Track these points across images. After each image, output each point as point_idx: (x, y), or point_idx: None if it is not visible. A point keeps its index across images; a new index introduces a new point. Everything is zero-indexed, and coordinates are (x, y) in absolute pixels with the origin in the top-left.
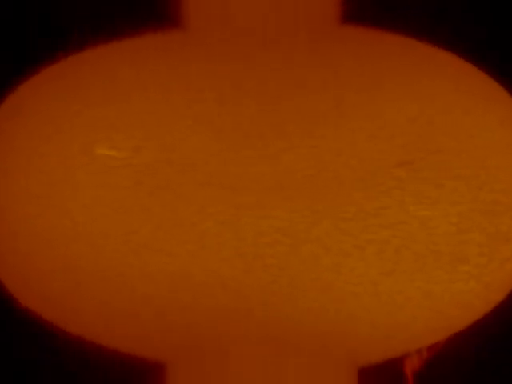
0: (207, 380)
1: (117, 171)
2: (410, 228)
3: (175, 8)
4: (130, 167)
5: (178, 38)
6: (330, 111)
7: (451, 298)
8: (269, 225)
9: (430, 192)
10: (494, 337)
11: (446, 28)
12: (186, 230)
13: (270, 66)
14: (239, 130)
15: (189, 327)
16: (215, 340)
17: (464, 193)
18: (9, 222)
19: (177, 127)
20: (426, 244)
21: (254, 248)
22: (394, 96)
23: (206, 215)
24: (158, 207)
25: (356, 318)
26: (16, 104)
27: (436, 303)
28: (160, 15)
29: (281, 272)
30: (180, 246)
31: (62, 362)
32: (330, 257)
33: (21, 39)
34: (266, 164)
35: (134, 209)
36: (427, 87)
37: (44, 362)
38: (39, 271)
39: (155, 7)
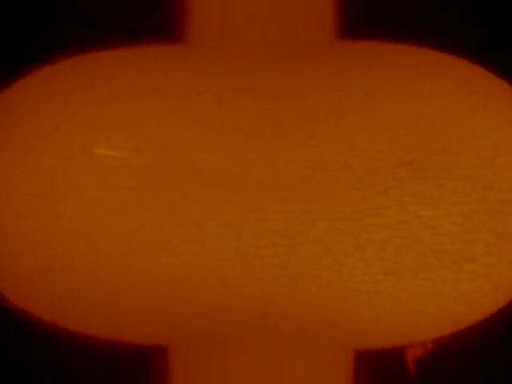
0: (209, 363)
1: (117, 171)
2: (410, 228)
3: (178, 27)
4: (130, 167)
5: (179, 49)
6: (331, 111)
7: (457, 296)
8: (267, 227)
9: (432, 192)
10: (499, 335)
11: (445, 36)
12: (186, 229)
13: (270, 70)
14: (239, 130)
15: (189, 323)
16: (216, 332)
17: (469, 193)
18: (4, 221)
19: (177, 127)
20: (429, 243)
21: (254, 249)
22: (395, 97)
23: (206, 215)
24: (158, 207)
25: (357, 313)
26: (12, 101)
27: (442, 301)
28: (163, 32)
29: (280, 271)
30: (180, 245)
31: (60, 358)
32: (330, 256)
33: (21, 39)
34: (265, 163)
35: (134, 209)
36: (430, 88)
37: (43, 361)
38: (33, 271)
39: (158, 24)
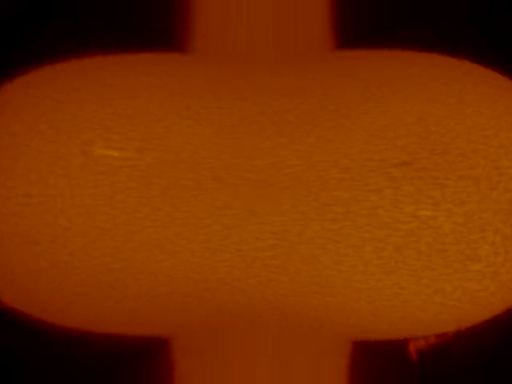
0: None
1: (120, 171)
2: (409, 227)
3: (180, 37)
4: (134, 167)
5: (180, 56)
6: (332, 112)
7: (463, 295)
8: (266, 229)
9: (431, 192)
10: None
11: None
12: (189, 229)
13: (271, 72)
14: (239, 128)
15: (190, 318)
16: (216, 326)
17: (472, 193)
18: (2, 221)
19: (177, 128)
20: (430, 243)
21: (254, 252)
22: (398, 98)
23: (211, 217)
24: (163, 207)
25: (358, 310)
26: (10, 100)
27: (445, 299)
28: (165, 42)
29: (280, 270)
30: (182, 245)
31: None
32: (327, 256)
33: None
34: (260, 159)
35: (137, 209)
36: (434, 89)
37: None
38: (33, 271)
39: (160, 34)
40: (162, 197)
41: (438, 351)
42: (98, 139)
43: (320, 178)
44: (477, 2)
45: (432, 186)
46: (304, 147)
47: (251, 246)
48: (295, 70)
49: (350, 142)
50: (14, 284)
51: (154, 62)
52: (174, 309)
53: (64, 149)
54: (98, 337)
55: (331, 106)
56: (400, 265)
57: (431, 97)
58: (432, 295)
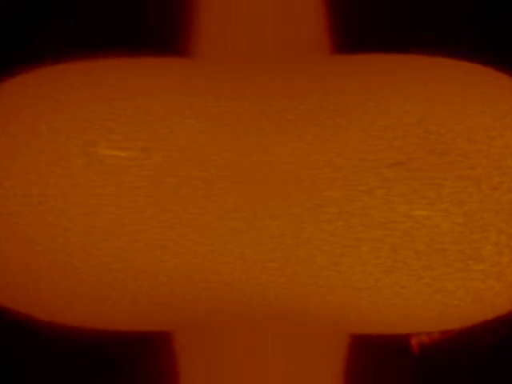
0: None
1: (124, 171)
2: (403, 227)
3: (182, 42)
4: (140, 167)
5: (181, 60)
6: (331, 112)
7: (465, 295)
8: (266, 234)
9: (427, 192)
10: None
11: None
12: (196, 231)
13: (271, 74)
14: (239, 126)
15: (191, 316)
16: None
17: (472, 193)
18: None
19: (179, 127)
20: (427, 243)
21: (255, 255)
22: (397, 99)
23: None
24: (169, 207)
25: (359, 309)
26: (10, 99)
27: (447, 298)
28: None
29: (279, 273)
30: (187, 247)
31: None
32: (326, 256)
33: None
34: (256, 156)
35: (142, 208)
36: (434, 90)
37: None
38: (32, 271)
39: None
40: (172, 196)
41: (438, 350)
42: (101, 139)
43: (312, 176)
44: (477, 2)
45: (427, 186)
46: (302, 145)
47: (253, 250)
48: (295, 71)
49: (345, 142)
50: (14, 284)
51: (153, 62)
52: (173, 308)
53: (64, 149)
54: (97, 337)
55: (331, 106)
56: (399, 264)
57: (431, 97)
58: (433, 294)
